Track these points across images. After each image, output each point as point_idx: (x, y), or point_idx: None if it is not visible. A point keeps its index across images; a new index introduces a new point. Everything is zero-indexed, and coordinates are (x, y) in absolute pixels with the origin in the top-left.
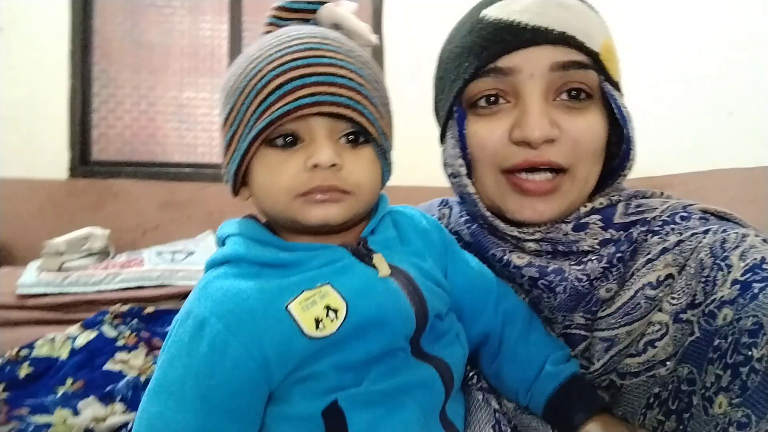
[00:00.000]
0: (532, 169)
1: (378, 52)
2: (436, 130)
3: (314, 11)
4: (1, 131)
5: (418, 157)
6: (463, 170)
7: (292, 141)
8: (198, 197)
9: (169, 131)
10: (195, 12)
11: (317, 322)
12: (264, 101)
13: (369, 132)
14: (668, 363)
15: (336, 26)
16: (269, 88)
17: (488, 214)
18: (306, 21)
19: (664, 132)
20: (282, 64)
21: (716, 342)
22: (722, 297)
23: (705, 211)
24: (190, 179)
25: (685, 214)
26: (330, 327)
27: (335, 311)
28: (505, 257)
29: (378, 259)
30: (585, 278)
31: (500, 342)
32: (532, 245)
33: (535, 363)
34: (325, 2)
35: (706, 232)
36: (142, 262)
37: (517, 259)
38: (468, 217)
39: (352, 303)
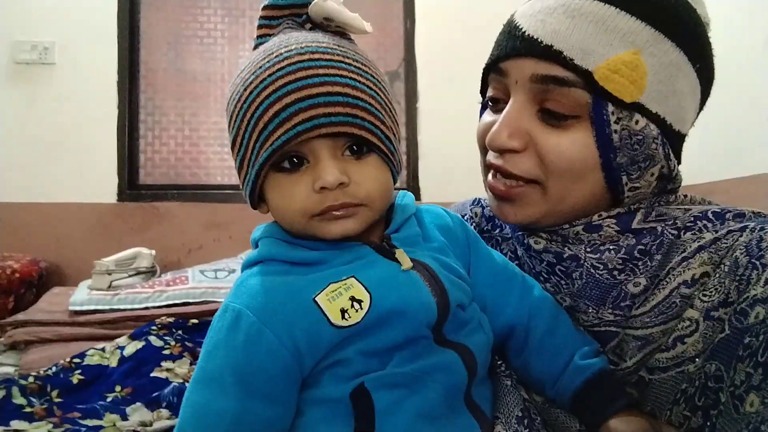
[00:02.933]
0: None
1: (411, 73)
2: (467, 148)
3: (304, 5)
4: (55, 158)
5: (454, 173)
6: (481, 158)
7: (298, 163)
8: (239, 218)
9: (212, 155)
10: (234, 41)
11: (343, 312)
12: (264, 130)
13: (372, 142)
14: (697, 360)
15: (328, 20)
16: (267, 117)
17: (492, 204)
18: (297, 17)
19: (703, 138)
20: (275, 90)
21: (747, 340)
22: (755, 295)
23: (739, 210)
24: (231, 201)
25: (718, 210)
26: (355, 317)
27: (359, 302)
28: (526, 240)
29: (400, 253)
30: (602, 266)
31: (526, 335)
32: (544, 234)
33: (562, 356)
34: None
35: (743, 229)
36: (186, 280)
37: (535, 244)
38: None
39: (376, 294)
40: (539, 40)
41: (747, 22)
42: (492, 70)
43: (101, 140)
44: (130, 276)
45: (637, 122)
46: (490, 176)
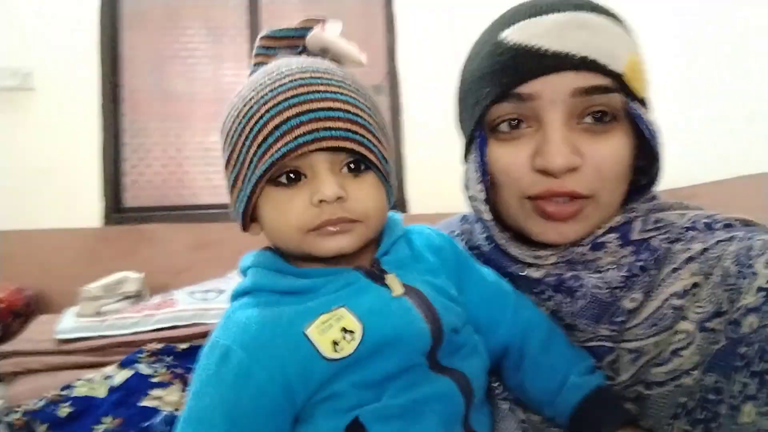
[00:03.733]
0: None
1: (394, 86)
2: (456, 158)
3: (302, 37)
4: (38, 184)
5: (440, 185)
6: (482, 196)
7: (296, 178)
8: (227, 237)
9: (197, 175)
10: (217, 61)
11: (335, 344)
12: (263, 142)
13: (370, 159)
14: (694, 372)
15: (324, 51)
16: (267, 129)
17: (503, 241)
18: (294, 48)
19: (684, 142)
20: (277, 104)
21: (742, 350)
22: (747, 305)
23: (728, 219)
24: (218, 220)
25: (707, 221)
26: (347, 348)
27: (351, 333)
28: (523, 273)
29: (391, 279)
30: (605, 286)
31: (521, 354)
32: (549, 263)
33: (558, 374)
34: (310, 27)
35: (731, 239)
36: (175, 303)
37: (535, 272)
38: (488, 234)
39: (368, 324)
40: (572, 53)
41: (731, 26)
42: (504, 98)
43: (85, 164)
44: (117, 301)
45: (649, 113)
46: (534, 205)
